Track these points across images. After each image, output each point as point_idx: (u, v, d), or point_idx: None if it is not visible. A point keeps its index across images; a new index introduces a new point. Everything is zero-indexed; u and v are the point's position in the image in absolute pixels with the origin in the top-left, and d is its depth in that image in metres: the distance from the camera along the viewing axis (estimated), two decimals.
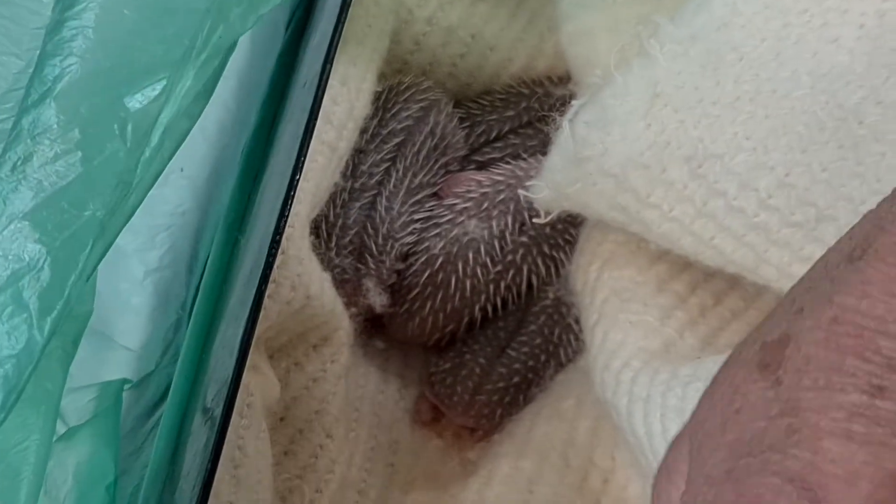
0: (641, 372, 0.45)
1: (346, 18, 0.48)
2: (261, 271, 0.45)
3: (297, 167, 0.45)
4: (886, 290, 0.27)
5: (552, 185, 0.48)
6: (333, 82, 0.50)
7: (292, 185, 0.45)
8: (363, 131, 0.53)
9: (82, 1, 0.36)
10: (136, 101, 0.36)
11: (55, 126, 0.35)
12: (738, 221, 0.45)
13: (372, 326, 0.56)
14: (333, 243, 0.53)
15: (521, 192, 0.51)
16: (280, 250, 0.46)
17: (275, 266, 0.45)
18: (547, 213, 0.49)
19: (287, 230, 0.46)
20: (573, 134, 0.46)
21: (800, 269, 0.44)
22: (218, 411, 0.43)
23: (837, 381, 0.26)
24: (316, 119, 0.45)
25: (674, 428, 0.42)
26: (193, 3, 0.36)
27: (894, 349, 0.26)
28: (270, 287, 0.46)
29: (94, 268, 0.38)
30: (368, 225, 0.53)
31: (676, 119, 0.45)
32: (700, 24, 0.45)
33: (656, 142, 0.45)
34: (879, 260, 0.27)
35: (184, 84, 0.37)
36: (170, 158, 0.39)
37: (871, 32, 0.43)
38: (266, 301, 0.45)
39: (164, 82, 0.36)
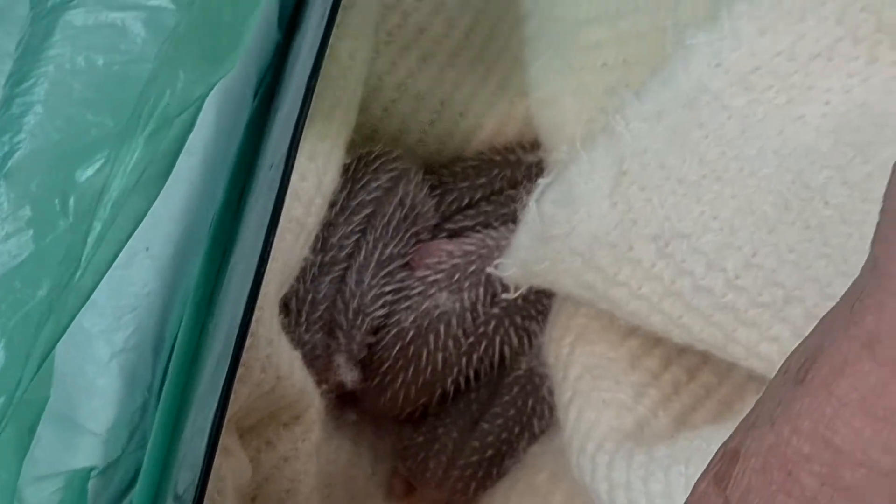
0: (616, 456, 0.45)
1: (313, 93, 0.47)
2: (230, 356, 0.44)
3: (265, 251, 0.45)
4: (817, 427, 0.27)
5: (520, 263, 0.48)
6: (301, 159, 0.50)
7: (261, 270, 0.45)
8: (332, 204, 0.52)
9: (31, 76, 0.35)
10: (84, 175, 0.35)
11: (5, 204, 0.34)
12: (706, 301, 0.45)
13: (343, 399, 0.56)
14: (303, 319, 0.52)
15: (489, 269, 0.50)
16: (249, 332, 0.46)
17: (244, 349, 0.45)
18: (516, 288, 0.49)
19: (256, 312, 0.46)
20: (540, 213, 0.46)
21: (768, 349, 0.44)
22: (189, 498, 0.42)
23: None
24: (283, 202, 0.45)
25: None
26: (140, 73, 0.36)
27: (816, 490, 0.26)
28: (240, 370, 0.46)
29: (50, 350, 0.37)
30: (339, 300, 0.53)
31: (643, 197, 0.45)
32: (666, 99, 0.44)
33: (623, 220, 0.45)
34: (818, 388, 0.27)
35: (132, 156, 0.36)
36: (128, 237, 0.38)
37: (836, 109, 0.43)
38: (236, 384, 0.45)
39: (107, 156, 0.35)
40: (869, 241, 0.40)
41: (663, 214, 0.44)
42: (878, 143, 0.42)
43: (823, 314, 0.41)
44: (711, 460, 0.29)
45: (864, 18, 0.43)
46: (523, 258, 0.48)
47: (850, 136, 0.42)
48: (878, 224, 0.29)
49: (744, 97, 0.44)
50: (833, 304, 0.41)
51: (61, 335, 0.36)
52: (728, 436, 0.40)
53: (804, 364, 0.28)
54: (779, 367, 0.43)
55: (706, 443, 0.41)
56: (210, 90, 0.36)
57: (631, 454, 0.44)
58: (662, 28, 0.49)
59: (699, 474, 0.40)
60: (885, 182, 0.40)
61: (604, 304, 0.47)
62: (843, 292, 0.41)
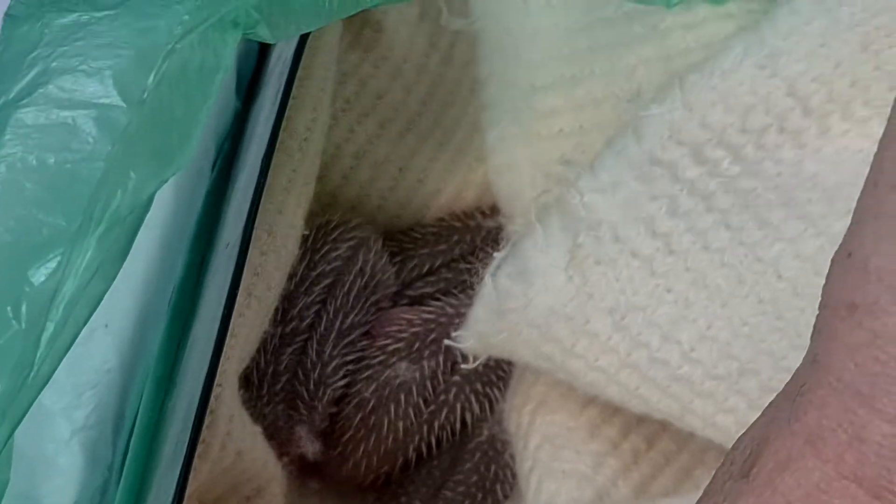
0: None
1: (268, 172, 0.48)
2: (189, 435, 0.44)
3: (224, 329, 0.45)
4: None
5: (477, 335, 0.48)
6: (259, 232, 0.50)
7: (219, 347, 0.45)
8: (292, 275, 0.53)
9: None
10: (36, 276, 0.35)
11: None
12: (663, 373, 0.45)
13: (306, 469, 0.56)
14: (265, 391, 0.52)
15: (446, 342, 0.50)
16: (209, 410, 0.46)
17: (204, 427, 0.45)
18: (475, 359, 0.49)
19: (215, 389, 0.46)
20: (495, 287, 0.46)
21: (724, 420, 0.44)
22: None
23: None
24: (240, 279, 0.45)
25: None
26: (92, 172, 0.36)
27: None
28: (200, 447, 0.46)
29: (3, 445, 0.37)
30: (300, 371, 0.53)
31: (598, 271, 0.45)
32: (620, 172, 0.45)
33: (579, 294, 0.45)
34: (763, 484, 0.27)
35: (83, 256, 0.36)
36: (84, 324, 0.38)
37: (787, 181, 0.44)
38: (196, 460, 0.45)
39: (59, 257, 0.35)
40: None
41: (618, 288, 0.45)
42: (830, 215, 0.43)
43: (778, 386, 0.42)
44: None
45: (815, 89, 0.44)
46: (480, 331, 0.48)
47: (802, 208, 0.43)
48: (818, 317, 0.29)
49: (696, 169, 0.44)
50: (787, 377, 0.42)
51: (13, 430, 0.36)
52: None
53: (749, 457, 0.28)
54: (734, 441, 0.44)
55: None
56: (160, 187, 0.36)
57: None
58: (618, 95, 0.50)
59: None
60: None
61: (562, 375, 0.48)
62: (797, 366, 0.41)
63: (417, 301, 0.56)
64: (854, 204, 0.42)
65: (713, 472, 0.48)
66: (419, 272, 0.57)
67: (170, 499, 0.44)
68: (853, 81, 0.43)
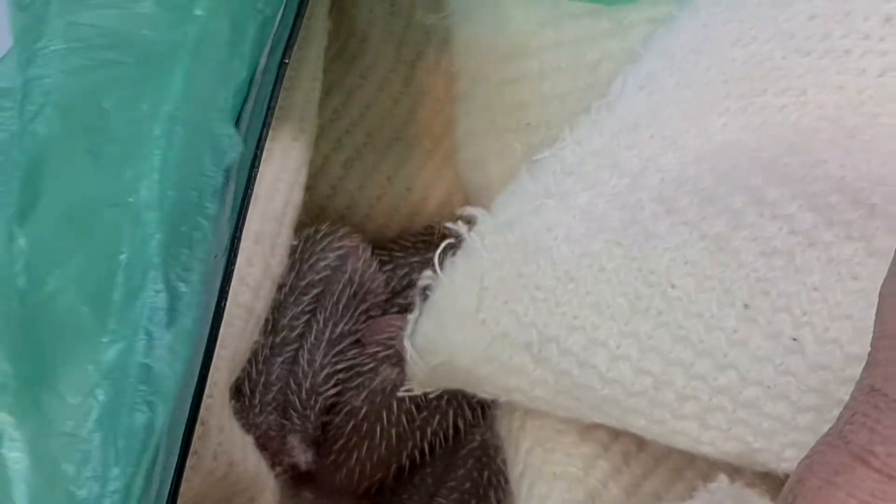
0: None
1: (255, 181, 0.48)
2: (179, 447, 0.44)
3: (213, 340, 0.45)
4: None
5: (421, 385, 0.50)
6: (247, 243, 0.50)
7: (208, 358, 0.45)
8: (281, 286, 0.53)
9: None
10: None
11: None
12: (590, 395, 0.46)
13: (300, 478, 0.56)
14: (257, 401, 0.52)
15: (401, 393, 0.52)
16: (199, 421, 0.46)
17: (194, 439, 0.45)
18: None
19: (206, 400, 0.46)
20: (416, 346, 0.48)
21: (658, 430, 0.45)
22: None
23: None
24: (228, 290, 0.45)
25: None
26: None
27: None
28: (192, 459, 0.46)
29: None
30: (291, 380, 0.53)
31: (507, 309, 0.46)
32: (515, 209, 0.46)
33: (495, 335, 0.46)
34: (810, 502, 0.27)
35: None
36: None
37: (668, 190, 0.45)
38: (187, 472, 0.45)
39: None
40: (717, 319, 0.42)
41: (529, 321, 0.46)
42: (709, 216, 0.43)
43: (693, 393, 0.43)
44: None
45: (688, 95, 0.45)
46: (422, 383, 0.49)
47: (683, 215, 0.44)
48: (872, 350, 0.29)
49: (585, 194, 0.45)
50: (699, 383, 0.43)
51: None
52: None
53: (792, 489, 0.28)
54: (673, 444, 0.44)
55: None
56: None
57: None
58: (583, 88, 0.50)
59: None
60: (722, 255, 0.42)
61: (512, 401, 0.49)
62: (705, 372, 0.42)
63: (407, 309, 0.56)
64: (729, 201, 0.43)
65: (704, 474, 0.49)
66: (409, 280, 0.57)
67: None
68: (725, 79, 0.45)
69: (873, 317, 0.30)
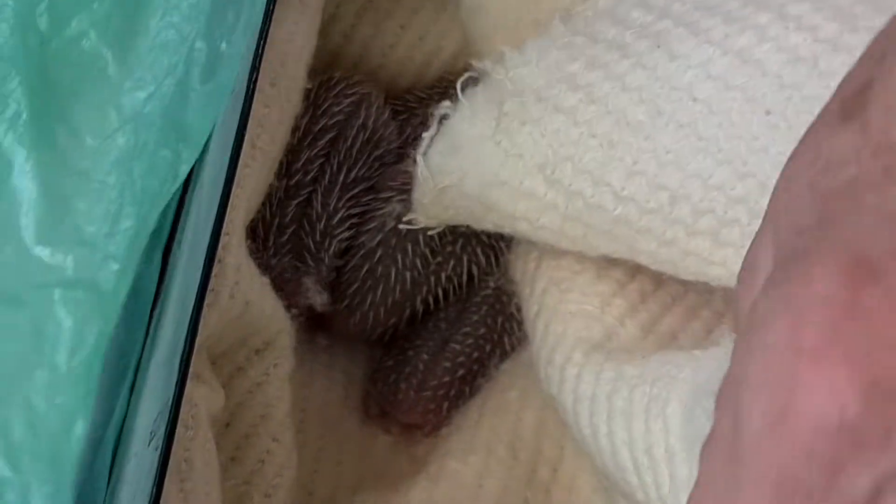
0: (585, 369, 0.45)
1: (271, 18, 0.47)
2: (198, 283, 0.44)
3: (230, 178, 0.45)
4: None
5: (425, 215, 0.50)
6: (263, 84, 0.49)
7: (226, 197, 0.45)
8: (295, 129, 0.52)
9: None
10: None
11: None
12: (601, 217, 0.46)
13: (314, 324, 0.56)
14: (271, 243, 0.52)
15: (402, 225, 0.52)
16: (217, 259, 0.46)
17: (212, 276, 0.45)
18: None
19: (223, 238, 0.46)
20: (428, 166, 0.48)
21: (668, 253, 0.45)
22: (162, 430, 0.42)
23: None
24: (245, 128, 0.45)
25: (620, 431, 0.42)
26: None
27: None
28: (209, 296, 0.46)
29: None
30: (305, 223, 0.53)
31: (524, 131, 0.46)
32: (543, 45, 0.47)
33: (508, 157, 0.47)
34: (867, 125, 0.26)
35: None
36: None
37: (693, 15, 0.45)
38: (205, 310, 0.45)
39: None
40: (738, 128, 0.42)
41: (545, 143, 0.46)
42: (733, 34, 0.44)
43: (709, 206, 0.43)
44: (820, 120, 0.28)
45: None
46: (427, 211, 0.50)
47: (708, 34, 0.45)
48: None
49: (613, 30, 0.46)
50: (716, 193, 0.43)
51: None
52: (702, 364, 0.41)
53: (851, 97, 0.27)
54: (681, 270, 0.45)
55: (677, 369, 0.42)
56: None
57: (601, 369, 0.45)
58: None
59: (662, 395, 0.41)
60: (746, 67, 0.42)
61: (517, 235, 0.50)
62: (724, 182, 0.42)
63: None
64: (754, 19, 0.43)
65: (719, 314, 0.49)
66: (424, 130, 0.56)
67: (180, 348, 0.44)
68: None
69: None
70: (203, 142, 0.38)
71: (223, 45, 0.38)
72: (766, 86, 0.43)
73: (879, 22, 0.41)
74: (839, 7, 0.43)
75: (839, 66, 0.42)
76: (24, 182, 0.35)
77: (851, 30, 0.42)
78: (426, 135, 0.48)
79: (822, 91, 0.42)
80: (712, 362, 0.41)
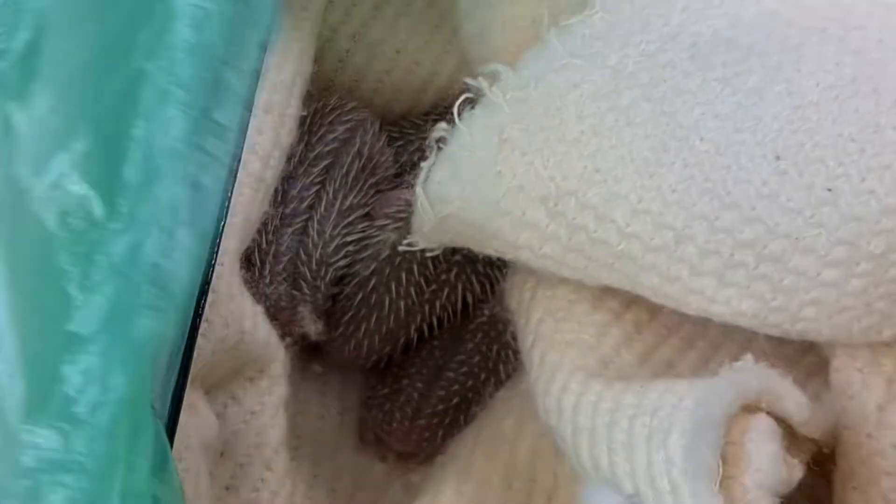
0: (582, 398, 0.45)
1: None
2: (191, 314, 0.44)
3: (224, 207, 0.45)
4: None
5: (426, 240, 0.50)
6: (256, 111, 0.49)
7: (220, 225, 0.44)
8: (290, 157, 0.52)
9: None
10: None
11: None
12: (604, 252, 0.46)
13: (308, 351, 0.56)
14: (267, 271, 0.52)
15: (401, 247, 0.52)
16: (211, 289, 0.45)
17: (206, 305, 0.45)
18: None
19: (217, 268, 0.46)
20: (428, 195, 0.48)
21: (671, 290, 0.45)
22: None
23: None
24: (240, 157, 0.44)
25: (621, 462, 0.42)
26: None
27: None
28: (203, 326, 0.45)
29: None
30: (301, 251, 0.53)
31: (525, 162, 0.46)
32: (541, 66, 0.46)
33: (510, 187, 0.46)
34: None
35: None
36: None
37: (701, 51, 0.45)
38: (199, 340, 0.45)
39: None
40: (746, 172, 0.42)
41: (548, 175, 0.45)
42: (743, 72, 0.43)
43: (715, 248, 0.43)
44: None
45: None
46: (427, 237, 0.49)
47: (716, 72, 0.44)
48: None
49: (615, 56, 0.45)
50: (723, 236, 0.42)
51: None
52: (704, 396, 0.41)
53: None
54: (683, 306, 0.44)
55: (678, 398, 0.42)
56: None
57: (599, 398, 0.45)
58: None
59: (664, 426, 0.41)
60: (755, 109, 0.42)
61: (518, 262, 0.49)
62: (730, 225, 0.42)
63: None
64: (765, 59, 0.43)
65: (715, 345, 0.49)
66: (419, 157, 0.56)
67: (173, 380, 0.44)
68: None
69: None
70: (186, 298, 0.36)
71: (205, 180, 0.37)
72: (776, 130, 0.42)
73: (894, 69, 0.42)
74: (855, 51, 0.43)
75: (853, 113, 0.42)
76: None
77: (866, 77, 0.42)
78: (425, 164, 0.47)
79: (834, 139, 0.42)
80: (713, 394, 0.41)
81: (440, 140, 0.48)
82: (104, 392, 0.34)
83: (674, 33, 0.45)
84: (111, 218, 0.36)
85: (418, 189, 0.48)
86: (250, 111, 0.40)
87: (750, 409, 0.42)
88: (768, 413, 0.42)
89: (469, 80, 0.48)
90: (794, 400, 0.43)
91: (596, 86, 0.45)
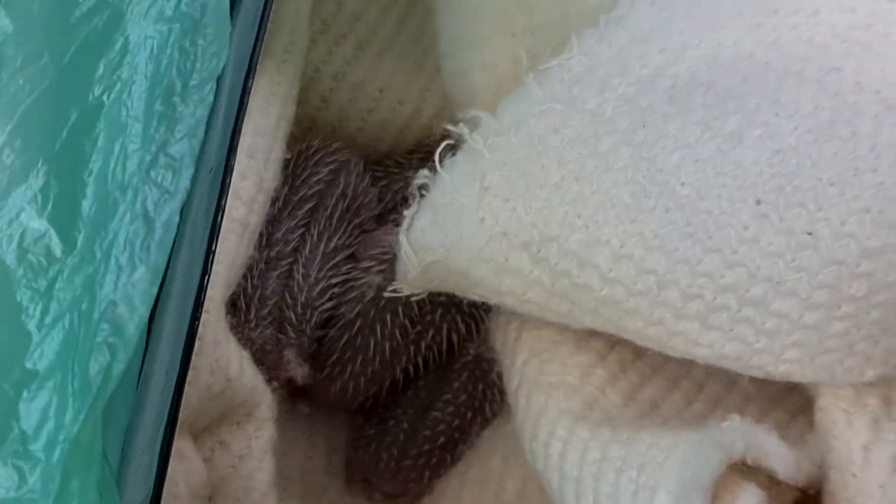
0: (569, 445, 0.45)
1: (249, 93, 0.47)
2: (178, 362, 0.44)
3: (209, 255, 0.45)
4: None
5: (411, 287, 0.50)
6: (240, 156, 0.49)
7: (204, 274, 0.45)
8: (275, 200, 0.52)
9: None
10: None
11: None
12: (588, 297, 0.46)
13: (295, 393, 0.56)
14: (252, 315, 0.52)
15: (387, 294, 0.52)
16: (196, 336, 0.45)
17: (192, 353, 0.45)
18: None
19: (203, 315, 0.46)
20: (411, 243, 0.48)
21: (655, 333, 0.45)
22: None
23: None
24: (223, 205, 0.45)
25: None
26: None
27: None
28: (189, 374, 0.45)
29: None
30: (287, 295, 0.53)
31: (507, 208, 0.46)
32: (521, 111, 0.47)
33: (493, 234, 0.46)
34: None
35: None
36: None
37: (680, 93, 0.45)
38: (186, 388, 0.45)
39: None
40: (727, 216, 0.42)
41: (530, 221, 0.46)
42: (722, 116, 0.44)
43: (697, 292, 0.43)
44: None
45: None
46: (411, 283, 0.49)
47: (695, 115, 0.44)
48: None
49: (594, 99, 0.46)
50: (705, 281, 0.43)
51: None
52: (690, 456, 0.42)
53: None
54: (667, 349, 0.45)
55: (663, 455, 0.42)
56: None
57: (586, 448, 0.45)
58: None
59: (650, 484, 0.41)
60: (734, 153, 0.42)
61: (503, 306, 0.49)
62: (713, 269, 0.42)
63: (401, 224, 0.56)
64: (744, 102, 0.43)
65: (699, 384, 0.49)
66: (403, 195, 0.56)
67: (161, 428, 0.44)
68: None
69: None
70: (138, 335, 0.36)
71: (159, 218, 0.37)
72: (756, 174, 0.43)
73: (872, 111, 0.42)
74: (833, 94, 0.43)
75: (832, 157, 0.42)
76: None
77: (844, 121, 0.42)
78: (407, 212, 0.48)
79: (814, 183, 0.42)
80: (700, 455, 0.41)
81: (422, 187, 0.48)
82: (59, 430, 0.35)
83: (652, 76, 0.45)
84: (69, 253, 0.36)
85: (402, 238, 0.48)
86: (201, 146, 0.40)
87: (736, 466, 0.42)
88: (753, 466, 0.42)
89: (450, 127, 0.48)
90: (780, 457, 0.43)
91: (576, 131, 0.45)
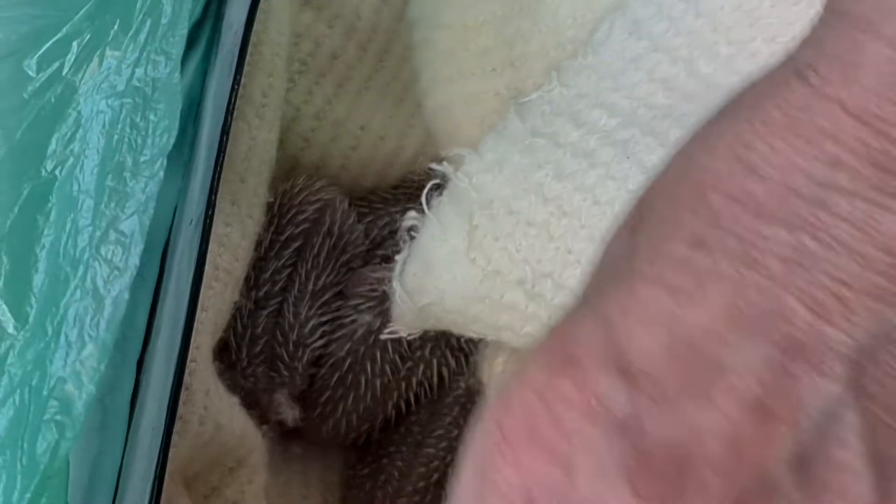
0: None
1: (227, 142, 0.47)
2: (166, 412, 0.44)
3: (193, 306, 0.45)
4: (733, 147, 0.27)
5: (407, 328, 0.50)
6: (223, 204, 0.49)
7: (189, 324, 0.45)
8: (260, 242, 0.53)
9: None
10: None
11: None
12: None
13: (288, 432, 0.56)
14: (244, 354, 0.52)
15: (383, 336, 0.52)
16: (184, 386, 0.46)
17: (179, 404, 0.45)
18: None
19: (189, 364, 0.46)
20: (405, 287, 0.48)
21: None
22: None
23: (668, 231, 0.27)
24: (206, 255, 0.45)
25: None
26: None
27: (724, 204, 0.26)
28: (178, 424, 0.46)
29: None
30: (278, 333, 0.53)
31: (498, 247, 0.46)
32: (504, 148, 0.47)
33: (486, 273, 0.46)
34: (738, 111, 0.28)
35: None
36: None
37: (661, 125, 0.45)
38: (175, 437, 0.45)
39: None
40: None
41: (522, 259, 0.46)
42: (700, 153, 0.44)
43: None
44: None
45: (680, 42, 0.47)
46: (409, 324, 0.49)
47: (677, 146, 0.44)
48: None
49: (576, 132, 0.46)
50: None
51: None
52: None
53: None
54: None
55: None
56: None
57: None
58: (545, 31, 0.50)
59: None
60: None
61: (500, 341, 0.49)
62: None
63: (389, 259, 0.55)
64: None
65: None
66: (389, 230, 0.57)
67: (151, 478, 0.44)
68: (714, 27, 0.46)
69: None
70: (84, 413, 0.36)
71: (110, 293, 0.37)
72: None
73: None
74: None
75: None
76: None
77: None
78: (398, 258, 0.48)
79: None
80: None
81: (411, 229, 0.48)
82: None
83: (633, 108, 0.46)
84: (21, 329, 0.36)
85: (395, 283, 0.48)
86: (149, 221, 0.40)
87: None
88: None
89: (434, 166, 0.48)
90: None
91: (560, 166, 0.45)
